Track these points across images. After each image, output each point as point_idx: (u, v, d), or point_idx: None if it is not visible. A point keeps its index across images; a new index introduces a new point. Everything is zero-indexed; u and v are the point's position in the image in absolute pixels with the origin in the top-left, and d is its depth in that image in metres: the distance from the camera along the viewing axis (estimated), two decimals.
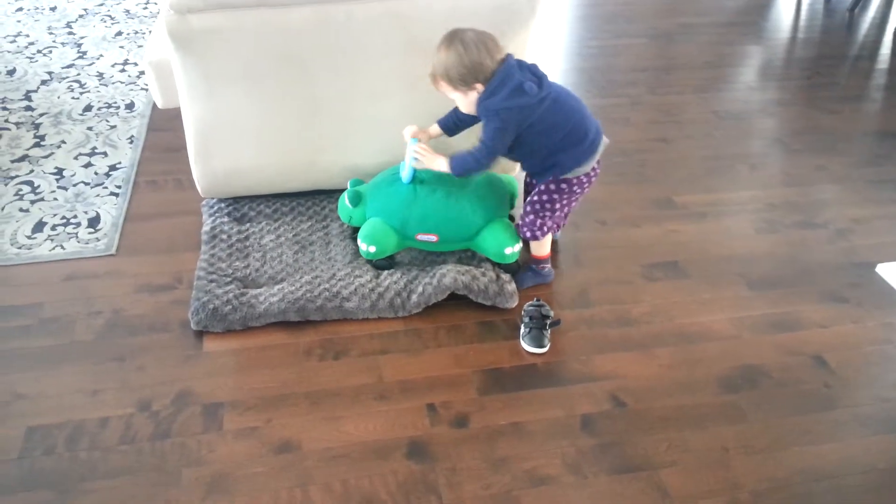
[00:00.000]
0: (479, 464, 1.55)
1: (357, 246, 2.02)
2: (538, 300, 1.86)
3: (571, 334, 1.86)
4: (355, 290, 1.91)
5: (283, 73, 1.98)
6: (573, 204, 1.97)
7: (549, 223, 1.93)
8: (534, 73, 1.78)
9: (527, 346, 1.81)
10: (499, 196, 2.03)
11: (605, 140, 1.87)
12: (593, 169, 1.87)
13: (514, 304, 1.91)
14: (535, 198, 1.90)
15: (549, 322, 1.82)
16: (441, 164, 1.87)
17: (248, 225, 2.15)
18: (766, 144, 2.70)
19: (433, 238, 1.96)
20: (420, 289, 1.90)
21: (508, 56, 1.76)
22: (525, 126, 1.76)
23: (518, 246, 1.96)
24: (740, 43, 3.49)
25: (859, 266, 2.12)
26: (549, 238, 1.97)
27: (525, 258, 2.02)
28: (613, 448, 1.58)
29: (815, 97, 3.02)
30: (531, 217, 1.91)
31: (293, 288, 1.89)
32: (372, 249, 1.94)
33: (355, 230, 2.07)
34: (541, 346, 1.80)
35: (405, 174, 1.95)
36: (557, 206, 1.90)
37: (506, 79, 1.73)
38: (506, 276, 1.95)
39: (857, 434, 1.63)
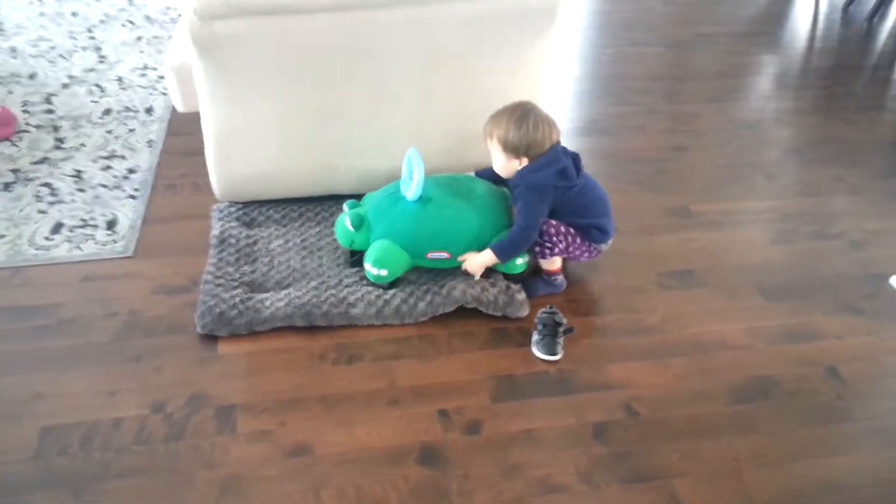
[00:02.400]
0: (491, 471, 1.55)
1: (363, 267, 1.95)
2: (551, 307, 1.86)
3: (584, 342, 1.86)
4: (361, 296, 1.91)
5: (304, 78, 2.00)
6: (571, 255, 1.98)
7: (560, 247, 1.94)
8: (575, 162, 1.92)
9: (539, 354, 1.81)
10: (502, 207, 2.01)
11: (612, 238, 2.00)
12: (599, 251, 2.00)
13: (524, 313, 1.91)
14: (553, 230, 1.92)
15: (562, 329, 1.82)
16: (485, 257, 1.91)
17: (256, 230, 2.16)
18: (782, 154, 2.69)
19: (445, 255, 1.93)
20: (428, 297, 1.91)
21: (558, 143, 1.91)
22: (557, 205, 1.89)
23: (527, 256, 1.96)
24: (757, 52, 3.48)
25: (875, 278, 2.10)
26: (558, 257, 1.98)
27: (536, 268, 2.02)
28: (626, 457, 1.58)
29: (831, 107, 3.00)
30: (548, 244, 1.92)
31: (300, 293, 1.90)
32: (384, 273, 1.90)
33: (355, 254, 2.01)
34: (554, 353, 1.80)
35: (411, 193, 1.91)
36: (571, 248, 1.95)
37: (552, 161, 1.87)
38: (515, 286, 1.95)
39: (870, 447, 1.62)
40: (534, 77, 2.14)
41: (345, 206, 1.98)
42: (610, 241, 2.00)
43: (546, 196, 1.87)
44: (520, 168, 1.91)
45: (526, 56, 2.08)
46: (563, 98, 3.02)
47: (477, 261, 1.92)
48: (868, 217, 2.35)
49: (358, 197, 2.10)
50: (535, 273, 2.03)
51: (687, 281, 2.07)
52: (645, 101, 3.01)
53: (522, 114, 1.87)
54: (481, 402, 1.70)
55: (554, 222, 1.92)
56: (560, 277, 2.00)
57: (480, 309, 1.90)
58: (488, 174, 2.05)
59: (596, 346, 1.86)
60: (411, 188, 1.91)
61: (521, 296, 1.93)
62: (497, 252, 1.90)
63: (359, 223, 1.93)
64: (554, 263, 1.98)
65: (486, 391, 1.72)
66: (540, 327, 1.82)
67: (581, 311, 1.96)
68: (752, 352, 1.85)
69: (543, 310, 1.85)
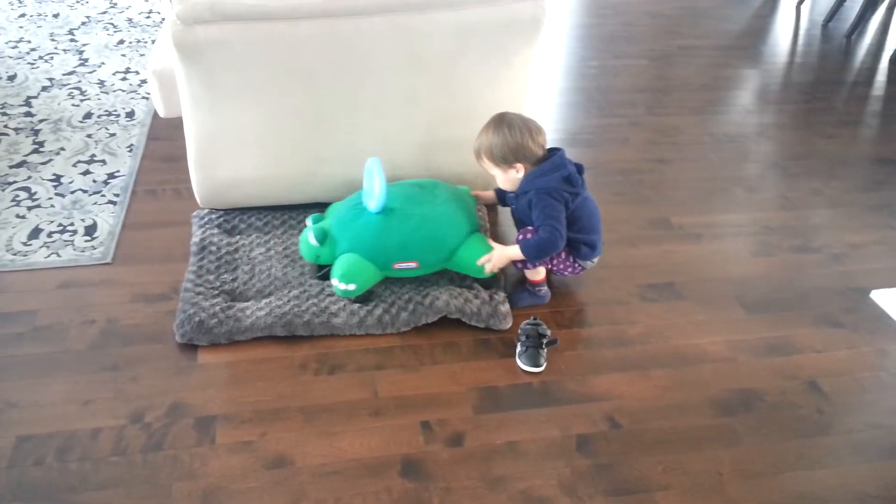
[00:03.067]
0: (474, 483, 1.54)
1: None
2: (535, 319, 1.86)
3: (568, 354, 1.86)
4: (343, 305, 1.90)
5: (288, 85, 1.99)
6: (556, 269, 1.99)
7: (540, 263, 1.95)
8: (578, 171, 1.91)
9: (523, 365, 1.80)
10: (469, 210, 2.00)
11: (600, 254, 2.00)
12: (583, 268, 1.99)
13: (508, 325, 1.91)
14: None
15: (545, 341, 1.82)
16: (513, 252, 1.89)
17: (237, 237, 2.14)
18: (763, 167, 2.72)
19: (413, 265, 1.92)
20: (411, 307, 1.90)
21: (560, 150, 1.91)
22: (568, 212, 1.87)
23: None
24: (738, 66, 3.52)
25: (855, 291, 2.12)
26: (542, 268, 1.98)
27: (521, 279, 2.03)
28: (609, 469, 1.58)
29: (811, 122, 3.04)
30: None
31: (281, 302, 1.89)
32: (352, 287, 1.86)
33: (320, 268, 1.98)
34: (537, 365, 1.79)
35: (374, 204, 1.88)
36: (550, 258, 1.94)
37: (558, 166, 1.86)
38: (499, 297, 1.94)
39: (850, 460, 1.63)
40: (518, 86, 2.14)
41: (308, 221, 1.95)
42: (596, 259, 2.00)
43: (559, 197, 1.84)
44: (521, 176, 1.89)
45: (510, 65, 2.09)
46: (546, 109, 3.03)
47: (506, 254, 1.90)
48: (848, 231, 2.38)
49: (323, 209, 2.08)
50: (520, 283, 2.03)
51: (668, 293, 2.08)
52: (628, 113, 3.02)
53: (498, 122, 1.87)
54: (464, 413, 1.69)
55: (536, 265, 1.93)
56: (545, 289, 2.00)
57: (464, 320, 1.89)
58: (502, 192, 2.06)
59: (579, 357, 1.86)
60: (374, 199, 1.88)
61: (505, 307, 1.93)
62: (525, 250, 1.87)
63: (322, 237, 1.90)
64: (538, 274, 1.98)
65: (469, 403, 1.72)
66: (523, 339, 1.82)
67: (564, 322, 1.96)
68: (733, 364, 1.86)
69: (527, 321, 1.85)
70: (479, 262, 1.92)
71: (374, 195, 1.88)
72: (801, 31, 3.97)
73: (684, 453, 1.62)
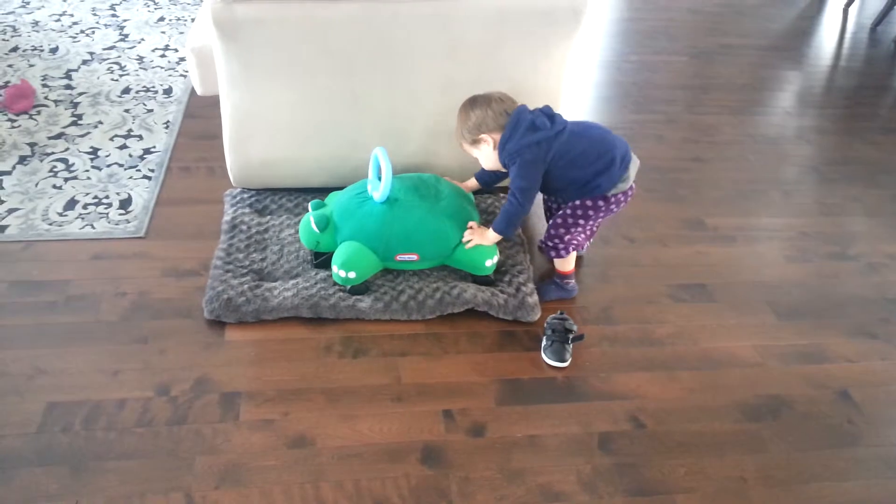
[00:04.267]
0: (493, 474, 1.53)
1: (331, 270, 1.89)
2: (562, 313, 1.84)
3: (593, 350, 1.84)
4: (370, 290, 1.90)
5: (324, 66, 1.99)
6: (602, 221, 1.95)
7: (579, 238, 1.92)
8: (544, 112, 1.82)
9: (548, 359, 1.79)
10: (469, 207, 1.98)
11: (635, 160, 1.86)
12: (631, 187, 1.86)
13: (535, 316, 1.89)
14: (569, 212, 1.87)
15: (571, 336, 1.80)
16: (491, 235, 1.88)
17: (268, 217, 2.15)
18: (801, 171, 2.67)
19: (414, 257, 1.90)
20: (438, 295, 1.89)
21: (521, 105, 1.83)
22: (549, 160, 1.79)
23: (496, 258, 1.93)
24: (781, 67, 3.45)
25: (891, 302, 2.07)
26: (574, 254, 1.95)
27: (549, 272, 2.01)
28: (630, 469, 1.56)
29: (854, 127, 2.97)
30: (561, 231, 1.89)
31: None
32: (352, 275, 1.84)
33: (320, 256, 1.96)
34: (562, 359, 1.78)
35: (379, 193, 1.86)
36: (591, 222, 1.89)
37: (518, 121, 1.79)
38: (527, 289, 1.93)
39: (879, 474, 1.60)
40: (555, 78, 2.11)
41: (309, 207, 1.93)
42: (629, 175, 1.83)
43: (531, 156, 1.77)
44: (491, 148, 1.84)
45: (549, 57, 2.06)
46: (582, 102, 2.99)
47: (482, 234, 1.89)
48: (886, 240, 2.32)
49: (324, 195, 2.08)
50: (547, 276, 2.02)
51: (700, 294, 2.05)
52: (665, 110, 2.98)
53: (469, 103, 1.86)
54: (486, 404, 1.68)
55: (559, 220, 1.88)
56: (573, 282, 1.98)
57: (491, 312, 1.88)
58: (482, 174, 2.04)
59: (605, 354, 1.84)
60: (380, 189, 1.86)
61: (533, 299, 1.91)
62: (498, 230, 1.87)
63: (324, 224, 1.88)
64: (568, 264, 1.95)
65: (491, 394, 1.71)
66: (549, 332, 1.81)
67: (591, 318, 1.94)
68: (762, 370, 1.83)
69: (554, 315, 1.83)
70: (463, 239, 1.90)
71: (380, 185, 1.86)
72: (848, 34, 3.88)
73: (708, 457, 1.60)
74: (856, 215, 2.44)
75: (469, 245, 1.89)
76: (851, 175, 2.65)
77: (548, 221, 2.01)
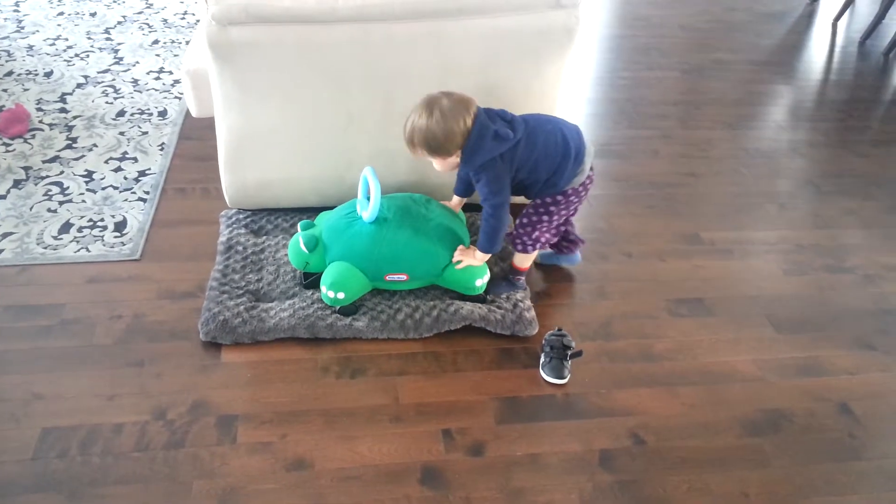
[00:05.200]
0: (493, 494, 1.52)
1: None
2: (560, 330, 1.84)
3: (593, 366, 1.84)
4: (366, 309, 1.89)
5: (319, 88, 1.99)
6: (570, 214, 1.97)
7: (546, 236, 1.95)
8: (503, 117, 1.80)
9: (546, 376, 1.78)
10: (460, 228, 1.98)
11: (590, 150, 1.88)
12: (589, 177, 1.89)
13: (534, 331, 1.89)
14: (531, 210, 1.91)
15: (570, 353, 1.79)
16: (479, 256, 1.88)
17: (264, 238, 2.14)
18: (795, 185, 2.68)
19: (403, 277, 1.89)
20: (434, 313, 1.89)
21: (478, 110, 1.76)
22: (514, 169, 1.80)
23: (487, 277, 1.93)
24: (772, 82, 3.47)
25: (888, 313, 2.07)
26: (534, 254, 1.97)
27: (504, 268, 2.03)
28: (632, 486, 1.55)
29: (847, 140, 2.99)
30: (528, 229, 1.92)
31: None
32: (341, 296, 1.83)
33: (308, 276, 1.95)
34: (561, 376, 1.77)
35: (368, 213, 1.85)
36: (556, 217, 1.92)
37: (482, 134, 1.74)
38: (523, 304, 1.93)
39: (882, 487, 1.59)
40: (549, 96, 2.12)
41: (298, 227, 1.93)
42: (584, 168, 1.85)
43: (497, 168, 1.76)
44: (457, 159, 1.79)
45: (542, 75, 2.07)
46: (577, 119, 2.99)
47: (471, 256, 1.89)
48: (882, 252, 2.33)
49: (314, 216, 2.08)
50: (499, 274, 2.03)
51: (697, 309, 2.04)
52: (659, 125, 2.99)
53: (427, 108, 1.73)
54: (486, 423, 1.67)
55: (525, 220, 1.90)
56: (523, 279, 2.01)
57: (488, 328, 1.88)
58: (458, 187, 2.02)
59: (604, 371, 1.83)
60: (368, 209, 1.86)
61: (530, 314, 1.91)
62: (484, 250, 1.86)
63: (313, 245, 1.87)
64: (526, 262, 1.98)
65: (490, 412, 1.70)
66: (548, 349, 1.80)
67: (590, 334, 1.93)
68: (762, 384, 1.82)
69: (552, 332, 1.83)
70: (453, 260, 1.90)
71: (368, 205, 1.86)
72: (837, 48, 3.91)
73: (710, 473, 1.59)
74: (851, 227, 2.45)
75: (459, 266, 1.89)
76: (845, 187, 2.66)
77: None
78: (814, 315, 2.06)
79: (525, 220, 1.92)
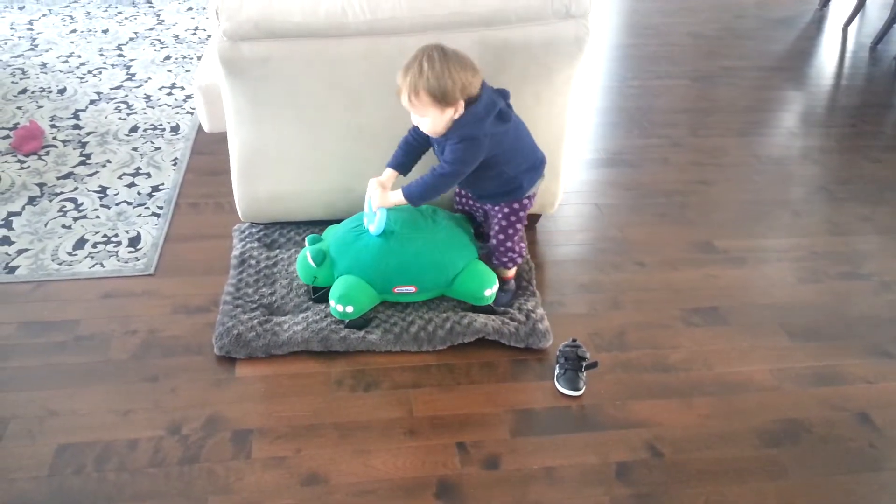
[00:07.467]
0: None
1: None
2: (574, 340, 1.83)
3: (608, 377, 1.82)
4: (379, 322, 1.89)
5: (331, 102, 2.00)
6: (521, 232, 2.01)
7: (522, 244, 1.99)
8: (506, 99, 1.81)
9: (561, 388, 1.77)
10: (468, 238, 1.98)
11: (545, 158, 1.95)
12: (535, 192, 1.96)
13: (548, 343, 1.88)
14: (505, 223, 1.94)
15: (585, 364, 1.79)
16: (395, 197, 1.83)
17: (277, 251, 2.15)
18: (808, 191, 2.66)
19: (412, 289, 1.89)
20: (448, 326, 1.88)
21: (484, 82, 1.75)
22: (492, 153, 1.79)
23: (496, 287, 1.92)
24: (783, 88, 3.46)
25: None
26: (521, 260, 2.03)
27: (558, 297, 2.03)
28: (649, 499, 1.54)
29: (858, 146, 2.97)
30: (507, 243, 1.95)
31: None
32: (350, 310, 1.83)
33: (318, 290, 1.95)
34: (576, 388, 1.76)
35: (374, 227, 1.85)
36: (524, 222, 1.96)
37: (490, 106, 1.73)
38: (536, 315, 1.92)
39: None
40: (559, 105, 2.12)
41: (306, 242, 1.93)
42: (543, 174, 1.95)
43: (481, 146, 1.73)
44: (456, 117, 1.71)
45: (552, 84, 2.07)
46: (586, 129, 3.01)
47: (389, 200, 1.84)
48: None
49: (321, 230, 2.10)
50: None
51: (711, 318, 2.03)
52: (669, 133, 2.99)
53: (439, 55, 1.65)
54: (501, 435, 1.66)
55: (498, 231, 1.94)
56: (513, 282, 2.04)
57: (502, 341, 1.87)
58: (398, 161, 1.89)
59: (619, 382, 1.82)
60: (375, 222, 1.85)
61: (544, 325, 1.90)
62: (408, 195, 1.81)
63: (321, 259, 1.87)
64: (512, 270, 2.03)
65: (505, 425, 1.69)
66: (562, 361, 1.79)
67: (604, 345, 1.92)
68: (779, 394, 1.80)
69: (566, 343, 1.82)
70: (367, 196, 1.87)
71: (375, 218, 1.86)
72: (848, 54, 3.90)
73: (728, 485, 1.57)
74: (866, 234, 2.43)
75: (373, 205, 1.84)
76: (859, 193, 2.64)
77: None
78: (829, 323, 2.04)
79: (501, 237, 1.95)
